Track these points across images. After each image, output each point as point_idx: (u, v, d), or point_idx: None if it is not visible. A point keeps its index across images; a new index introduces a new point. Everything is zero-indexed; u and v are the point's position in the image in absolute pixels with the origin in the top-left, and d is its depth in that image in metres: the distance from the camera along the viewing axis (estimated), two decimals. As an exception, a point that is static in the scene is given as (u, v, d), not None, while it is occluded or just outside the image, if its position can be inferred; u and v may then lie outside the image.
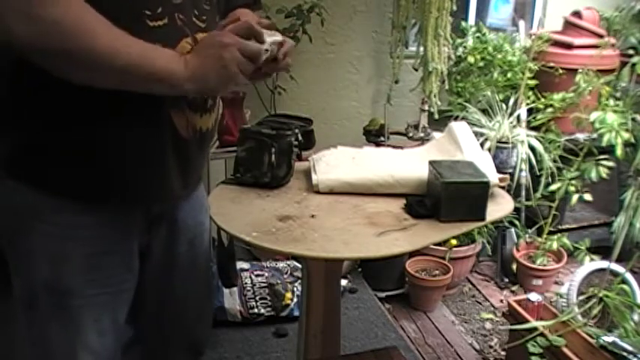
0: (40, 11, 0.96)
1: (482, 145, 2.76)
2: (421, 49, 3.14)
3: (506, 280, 3.16)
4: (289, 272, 2.70)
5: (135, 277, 1.29)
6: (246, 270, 2.67)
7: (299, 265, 2.51)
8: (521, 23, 3.48)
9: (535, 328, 2.18)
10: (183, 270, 1.42)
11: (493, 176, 1.55)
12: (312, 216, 1.45)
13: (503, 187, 1.63)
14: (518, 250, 3.12)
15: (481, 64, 3.21)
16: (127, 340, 1.36)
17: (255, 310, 2.57)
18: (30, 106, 1.10)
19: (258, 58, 1.14)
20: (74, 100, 1.08)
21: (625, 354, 2.00)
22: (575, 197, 2.80)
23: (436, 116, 3.17)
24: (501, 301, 3.01)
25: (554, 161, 2.93)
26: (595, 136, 2.76)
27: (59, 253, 1.17)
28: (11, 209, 1.16)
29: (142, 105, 1.12)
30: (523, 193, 3.08)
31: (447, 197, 1.43)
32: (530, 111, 3.15)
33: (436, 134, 2.29)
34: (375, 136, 3.05)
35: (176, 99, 1.16)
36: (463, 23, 3.41)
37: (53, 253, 1.17)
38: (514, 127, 3.06)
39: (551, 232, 3.05)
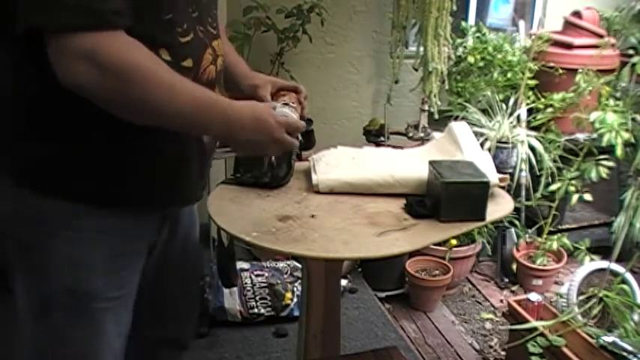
0: (105, 59, 0.99)
1: (482, 145, 2.76)
2: (421, 49, 3.14)
3: (506, 280, 3.16)
4: (289, 272, 2.70)
5: (140, 276, 1.31)
6: (246, 270, 2.67)
7: (299, 265, 2.51)
8: (521, 23, 3.48)
9: (535, 328, 2.18)
10: (175, 264, 1.44)
11: (493, 176, 1.55)
12: (312, 216, 1.44)
13: (503, 187, 1.63)
14: (518, 250, 3.12)
15: (481, 64, 3.21)
16: None
17: (255, 310, 2.57)
18: (61, 118, 1.10)
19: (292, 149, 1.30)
20: (105, 113, 1.08)
21: (625, 354, 2.00)
22: (575, 197, 2.80)
23: (436, 116, 3.17)
24: (501, 301, 3.01)
25: (554, 161, 2.93)
26: (595, 136, 2.77)
27: (81, 257, 1.17)
28: (28, 218, 1.16)
29: None
30: (523, 193, 3.08)
31: (447, 197, 1.43)
32: (530, 111, 3.15)
33: (436, 134, 2.29)
34: (375, 136, 3.05)
35: None
36: (463, 23, 3.41)
37: (75, 259, 1.17)
38: (514, 127, 3.06)
39: (551, 232, 3.05)
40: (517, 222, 3.11)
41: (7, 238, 1.19)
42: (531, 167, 2.99)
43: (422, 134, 3.09)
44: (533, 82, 3.14)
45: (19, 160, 1.13)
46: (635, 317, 2.31)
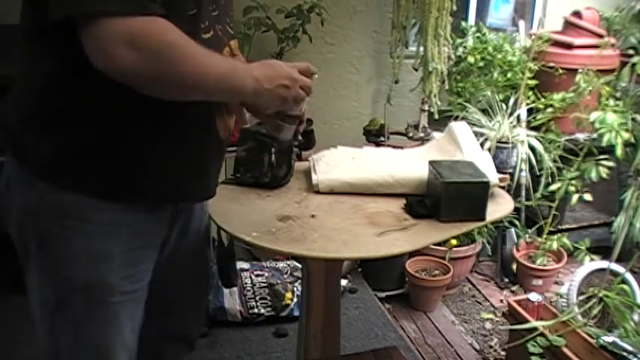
0: (144, 41, 1.01)
1: (482, 145, 2.76)
2: (421, 49, 3.14)
3: (506, 280, 3.16)
4: (289, 272, 2.70)
5: (152, 269, 1.32)
6: (246, 270, 2.67)
7: (299, 265, 2.51)
8: (521, 23, 3.48)
9: (535, 328, 2.18)
10: (186, 260, 1.44)
11: (493, 176, 1.56)
12: (312, 216, 1.45)
13: (503, 187, 1.63)
14: (518, 250, 3.12)
15: (481, 64, 3.21)
16: None
17: (255, 310, 2.57)
18: (77, 113, 1.11)
19: (309, 93, 1.31)
20: (129, 110, 1.11)
21: (625, 354, 2.00)
22: (575, 197, 2.80)
23: (436, 116, 3.17)
24: (501, 301, 3.01)
25: (554, 161, 2.93)
26: (595, 136, 2.76)
27: (100, 251, 1.18)
28: (48, 212, 1.16)
29: (195, 114, 1.19)
30: (523, 193, 3.08)
31: (447, 197, 1.43)
32: (530, 111, 3.15)
33: (436, 134, 2.29)
34: (375, 136, 3.05)
35: (221, 104, 1.26)
36: (463, 23, 3.41)
37: (93, 252, 1.17)
38: (514, 127, 3.06)
39: (551, 232, 3.04)
40: (517, 222, 3.11)
41: (27, 232, 1.19)
42: (531, 167, 2.99)
43: (422, 134, 3.09)
44: (533, 82, 3.14)
45: (39, 153, 1.14)
46: (635, 317, 2.31)
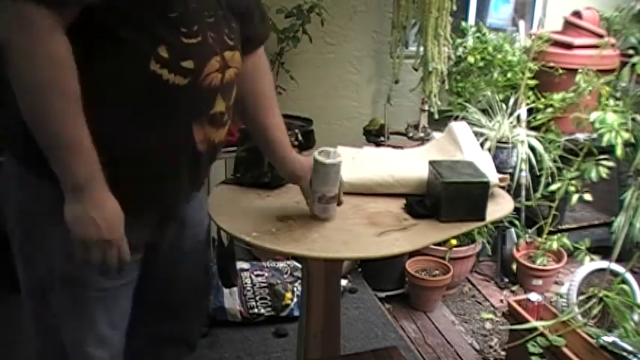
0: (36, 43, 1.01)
1: (482, 145, 2.76)
2: (421, 49, 3.14)
3: (506, 280, 3.16)
4: (289, 272, 2.70)
5: (138, 271, 1.34)
6: (246, 270, 2.67)
7: (299, 265, 2.51)
8: (521, 23, 3.48)
9: (535, 328, 2.18)
10: (185, 265, 1.46)
11: (493, 176, 1.56)
12: (312, 216, 1.45)
13: (503, 187, 1.63)
14: (518, 250, 3.12)
15: (481, 64, 3.21)
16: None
17: (255, 310, 2.57)
18: None
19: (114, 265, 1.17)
20: (106, 111, 1.11)
21: (625, 354, 2.00)
22: (575, 197, 2.80)
23: (436, 116, 3.17)
24: (501, 301, 3.01)
25: (554, 161, 2.93)
26: (595, 136, 2.76)
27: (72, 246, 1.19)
28: (32, 204, 1.20)
29: (170, 120, 1.17)
30: (523, 193, 3.08)
31: (447, 197, 1.44)
32: (530, 111, 3.15)
33: (436, 134, 2.29)
34: (375, 136, 3.05)
35: (200, 114, 1.21)
36: (463, 23, 3.40)
37: (69, 246, 1.18)
38: (514, 127, 3.06)
39: (551, 232, 3.04)
40: (517, 222, 3.11)
41: (17, 223, 1.24)
42: (531, 167, 2.99)
43: (422, 134, 3.09)
44: (533, 82, 3.14)
45: (25, 147, 1.15)
46: (635, 317, 2.31)
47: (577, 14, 3.19)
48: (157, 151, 1.18)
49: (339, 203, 1.47)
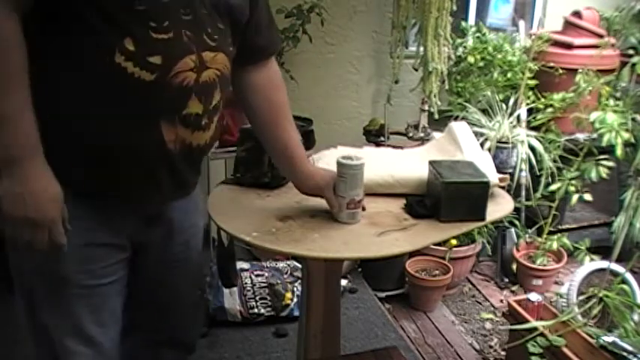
0: None
1: (482, 145, 2.76)
2: (421, 49, 3.14)
3: (506, 280, 3.16)
4: (289, 272, 2.70)
5: (125, 270, 1.33)
6: (246, 270, 2.67)
7: (299, 265, 2.51)
8: (521, 23, 3.48)
9: (535, 328, 2.18)
10: (178, 269, 1.45)
11: (493, 176, 1.56)
12: (312, 216, 1.45)
13: (503, 187, 1.63)
14: (518, 250, 3.12)
15: (481, 64, 3.21)
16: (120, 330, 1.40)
17: (255, 310, 2.57)
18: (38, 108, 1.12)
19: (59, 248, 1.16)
20: (71, 97, 1.12)
21: (625, 354, 2.00)
22: (575, 197, 2.80)
23: (436, 116, 3.17)
24: (501, 301, 3.01)
25: (554, 161, 2.93)
26: (595, 136, 2.76)
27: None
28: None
29: (135, 114, 1.16)
30: (523, 193, 3.08)
31: (447, 197, 1.43)
32: (530, 111, 3.15)
33: (436, 134, 2.29)
34: (375, 136, 3.05)
35: (169, 113, 1.19)
36: (463, 23, 3.41)
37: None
38: (514, 127, 3.06)
39: (551, 232, 3.04)
40: (517, 222, 3.11)
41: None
42: (531, 167, 2.99)
43: (422, 134, 3.09)
44: (533, 82, 3.14)
45: None
46: (635, 317, 2.31)
47: (577, 14, 3.19)
48: (121, 144, 1.17)
49: (364, 207, 1.45)
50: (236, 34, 1.31)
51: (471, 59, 3.19)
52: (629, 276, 2.50)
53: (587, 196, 2.79)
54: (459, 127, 1.76)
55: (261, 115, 1.43)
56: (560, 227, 3.19)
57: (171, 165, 1.25)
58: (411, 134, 3.11)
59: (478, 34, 3.31)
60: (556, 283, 3.12)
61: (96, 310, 1.29)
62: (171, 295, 1.47)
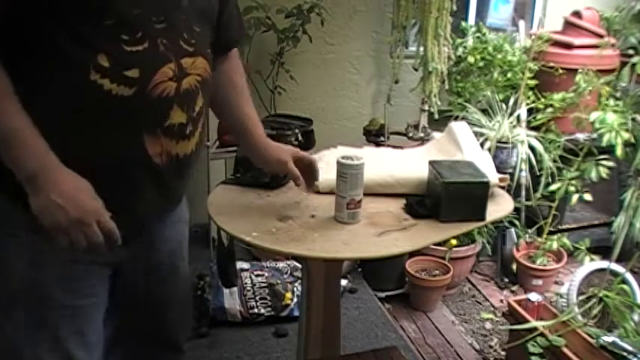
0: None
1: (482, 145, 2.76)
2: (421, 49, 3.14)
3: (506, 280, 3.16)
4: (289, 272, 2.70)
5: (107, 286, 1.29)
6: (246, 270, 2.67)
7: (299, 265, 2.51)
8: (521, 23, 3.48)
9: (535, 328, 2.18)
10: (165, 279, 1.42)
11: (493, 176, 1.55)
12: (312, 216, 1.45)
13: (503, 187, 1.63)
14: (518, 250, 3.12)
15: (481, 64, 3.21)
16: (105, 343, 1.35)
17: (255, 310, 2.57)
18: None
19: (105, 238, 1.12)
20: (50, 122, 1.08)
21: (625, 354, 2.00)
22: (575, 197, 2.80)
23: (436, 116, 3.17)
24: (501, 301, 3.01)
25: (554, 161, 2.93)
26: (595, 136, 2.76)
27: (36, 259, 1.17)
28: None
29: (117, 132, 1.12)
30: (523, 193, 3.08)
31: (447, 197, 1.43)
32: (530, 111, 3.15)
33: (436, 134, 2.29)
34: (375, 136, 3.05)
35: (152, 126, 1.15)
36: (463, 23, 3.41)
37: (30, 260, 1.16)
38: (514, 127, 3.06)
39: (551, 232, 3.04)
40: (517, 222, 3.11)
41: None
42: (531, 167, 2.99)
43: (422, 134, 3.09)
44: (533, 82, 3.14)
45: None
46: (635, 317, 2.30)
47: (577, 14, 3.19)
48: (105, 164, 1.13)
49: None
50: (212, 33, 1.30)
51: (471, 59, 3.19)
52: (629, 276, 2.50)
53: (587, 196, 2.79)
54: (459, 127, 1.76)
55: (223, 94, 1.42)
56: (560, 227, 3.19)
57: (160, 179, 1.21)
58: (411, 134, 3.11)
59: (478, 34, 3.31)
60: (556, 283, 3.12)
61: (82, 332, 1.24)
62: (159, 306, 1.44)
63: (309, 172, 1.48)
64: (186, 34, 1.18)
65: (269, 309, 2.59)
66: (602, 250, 2.88)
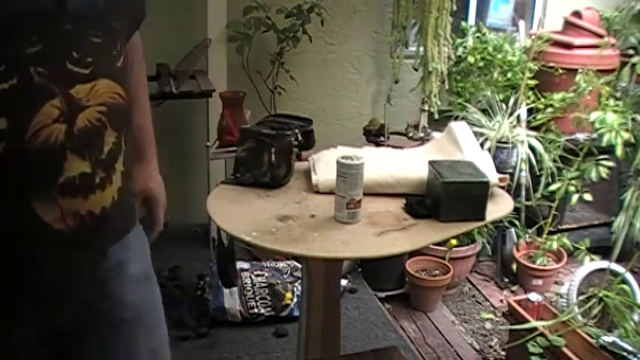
0: None
1: (482, 145, 2.76)
2: (421, 49, 3.14)
3: (506, 280, 3.16)
4: (289, 272, 2.70)
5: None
6: (246, 270, 2.67)
7: (299, 265, 2.51)
8: (521, 23, 3.48)
9: (535, 328, 2.18)
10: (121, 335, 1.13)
11: (493, 176, 1.55)
12: (312, 216, 1.45)
13: (503, 187, 1.63)
14: (518, 250, 3.12)
15: (481, 64, 3.21)
16: None
17: (255, 310, 2.57)
18: None
19: None
20: None
21: (625, 354, 2.00)
22: (575, 197, 2.80)
23: (436, 116, 3.18)
24: (501, 301, 3.01)
25: (554, 161, 2.93)
26: (595, 136, 2.76)
27: None
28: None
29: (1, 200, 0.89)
30: (523, 193, 3.08)
31: (446, 197, 1.43)
32: (530, 111, 3.15)
33: (436, 134, 2.29)
34: (375, 136, 3.05)
35: (39, 185, 0.90)
36: (463, 23, 3.41)
37: None
38: (514, 127, 3.06)
39: (551, 232, 3.04)
40: (517, 222, 3.11)
41: None
42: (531, 167, 2.99)
43: (422, 134, 3.09)
44: (533, 82, 3.14)
45: None
46: (635, 317, 2.30)
47: (577, 14, 3.20)
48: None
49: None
50: (128, 34, 1.04)
51: (471, 59, 3.19)
52: (629, 276, 2.50)
53: (587, 196, 2.79)
54: (458, 127, 1.76)
55: None
56: (560, 227, 3.19)
57: (67, 248, 0.94)
58: (411, 134, 3.12)
59: (478, 34, 3.31)
60: (556, 283, 3.12)
61: None
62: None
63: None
64: (75, 52, 0.89)
65: (269, 309, 2.59)
66: (602, 250, 2.87)
